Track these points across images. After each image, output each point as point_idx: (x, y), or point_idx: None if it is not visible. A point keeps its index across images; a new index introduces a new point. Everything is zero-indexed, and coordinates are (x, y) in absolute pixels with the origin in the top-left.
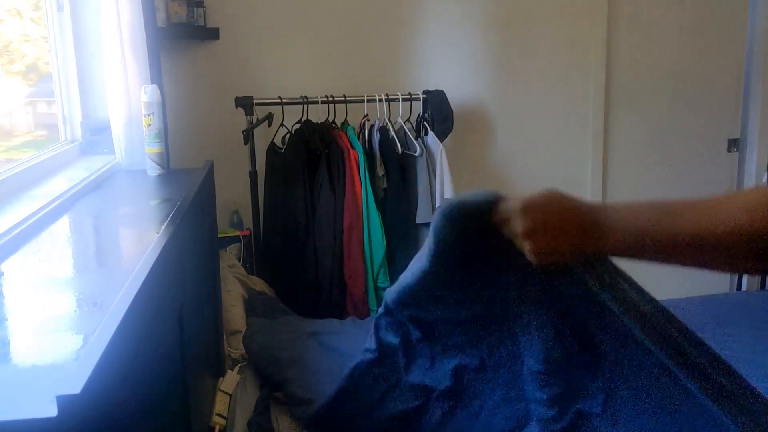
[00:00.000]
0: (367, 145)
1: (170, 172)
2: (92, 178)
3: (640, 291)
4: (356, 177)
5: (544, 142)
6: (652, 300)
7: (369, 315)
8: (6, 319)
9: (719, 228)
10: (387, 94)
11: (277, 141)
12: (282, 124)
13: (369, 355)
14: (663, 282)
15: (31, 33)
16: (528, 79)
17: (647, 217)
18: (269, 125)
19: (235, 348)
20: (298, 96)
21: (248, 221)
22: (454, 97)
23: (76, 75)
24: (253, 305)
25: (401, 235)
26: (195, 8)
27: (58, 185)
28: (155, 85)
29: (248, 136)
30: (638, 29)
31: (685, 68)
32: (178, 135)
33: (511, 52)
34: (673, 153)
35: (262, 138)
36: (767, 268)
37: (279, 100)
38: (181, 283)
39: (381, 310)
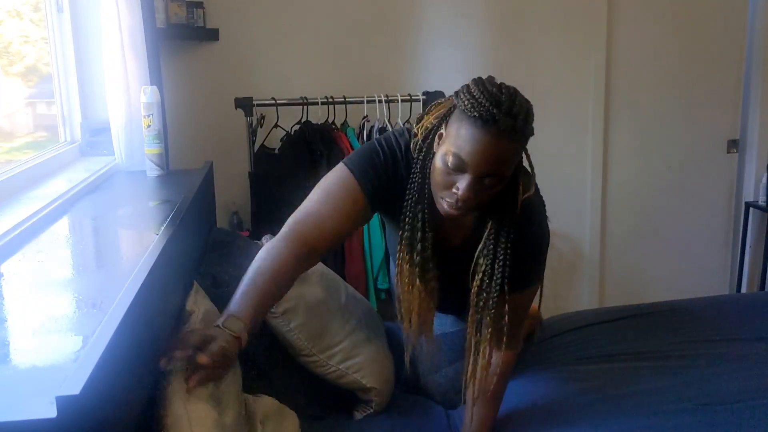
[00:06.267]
0: None
1: (170, 173)
2: (92, 179)
3: None
4: None
5: (544, 142)
6: None
7: None
8: (6, 320)
9: None
10: (387, 95)
11: (271, 143)
12: (277, 125)
13: None
14: (663, 283)
15: (31, 34)
16: (528, 79)
17: None
18: (261, 126)
19: None
20: (298, 97)
21: (248, 222)
22: None
23: (75, 76)
24: None
25: None
26: (194, 9)
27: (58, 186)
28: (155, 86)
29: (255, 137)
30: (638, 30)
31: (685, 69)
32: (177, 136)
33: (510, 52)
34: (673, 153)
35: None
36: None
37: (278, 101)
38: (180, 285)
39: None
